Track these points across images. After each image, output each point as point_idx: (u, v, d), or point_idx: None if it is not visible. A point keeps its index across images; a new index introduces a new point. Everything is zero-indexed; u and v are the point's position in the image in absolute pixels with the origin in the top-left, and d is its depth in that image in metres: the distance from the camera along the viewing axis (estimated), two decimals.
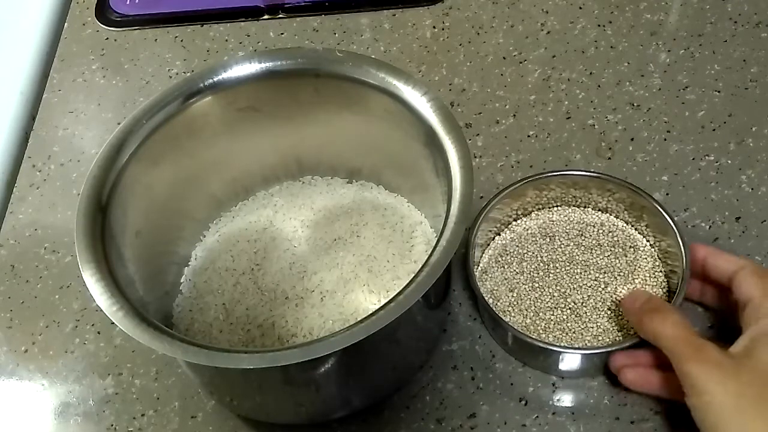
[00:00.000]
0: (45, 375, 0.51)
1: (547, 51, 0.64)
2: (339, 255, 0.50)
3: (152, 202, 0.47)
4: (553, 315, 0.48)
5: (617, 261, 0.50)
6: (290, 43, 0.67)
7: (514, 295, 0.49)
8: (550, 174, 0.51)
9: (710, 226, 0.53)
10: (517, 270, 0.50)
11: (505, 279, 0.50)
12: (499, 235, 0.52)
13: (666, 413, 0.46)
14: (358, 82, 0.47)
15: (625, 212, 0.51)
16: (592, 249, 0.50)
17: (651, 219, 0.49)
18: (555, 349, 0.46)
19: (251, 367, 0.37)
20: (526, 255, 0.51)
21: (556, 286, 0.49)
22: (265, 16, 0.69)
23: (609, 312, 0.48)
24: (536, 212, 0.52)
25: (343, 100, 0.48)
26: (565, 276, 0.50)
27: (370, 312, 0.37)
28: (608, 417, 0.46)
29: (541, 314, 0.48)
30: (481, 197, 0.52)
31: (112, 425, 0.48)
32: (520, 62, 0.63)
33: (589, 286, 0.49)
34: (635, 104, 0.60)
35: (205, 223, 0.53)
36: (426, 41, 0.66)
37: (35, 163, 0.61)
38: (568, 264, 0.50)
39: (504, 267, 0.50)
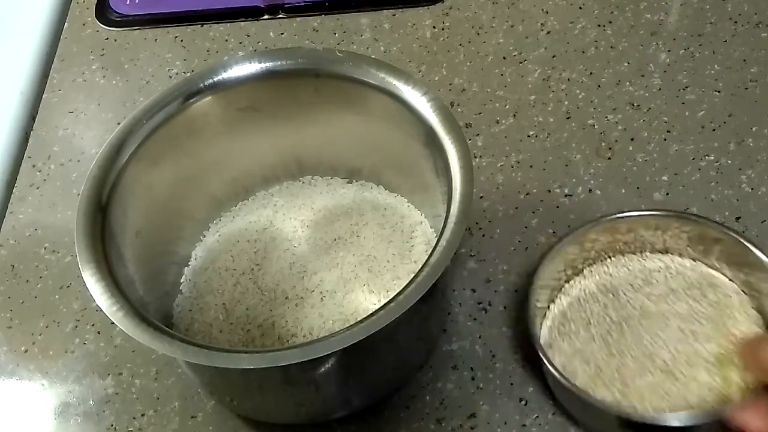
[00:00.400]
0: (45, 375, 0.51)
1: (547, 51, 0.64)
2: (339, 255, 0.50)
3: (152, 202, 0.47)
4: (643, 381, 0.42)
5: (698, 305, 0.44)
6: (290, 43, 0.67)
7: (592, 367, 0.43)
8: (588, 226, 0.46)
9: None
10: (586, 337, 0.44)
11: (577, 351, 0.44)
12: (554, 302, 0.46)
13: None
14: (358, 82, 0.47)
15: (689, 248, 0.46)
16: (665, 297, 0.44)
17: (722, 248, 0.44)
18: (685, 424, 0.39)
19: (251, 367, 0.37)
20: (591, 318, 0.44)
21: (637, 347, 0.43)
22: (265, 16, 0.69)
23: (707, 365, 0.42)
24: (587, 269, 0.47)
25: (343, 100, 0.48)
26: (644, 334, 0.43)
27: (370, 312, 0.37)
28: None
29: (629, 383, 0.42)
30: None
31: (112, 425, 0.48)
32: (520, 62, 0.63)
33: (676, 339, 0.42)
34: (635, 104, 0.60)
35: (205, 223, 0.53)
36: (426, 41, 0.66)
37: (35, 163, 0.61)
38: (643, 319, 0.44)
39: (570, 337, 0.44)
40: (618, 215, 0.46)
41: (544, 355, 0.42)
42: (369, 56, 0.53)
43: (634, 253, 0.47)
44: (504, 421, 0.46)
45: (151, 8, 0.70)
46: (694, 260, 0.46)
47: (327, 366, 0.40)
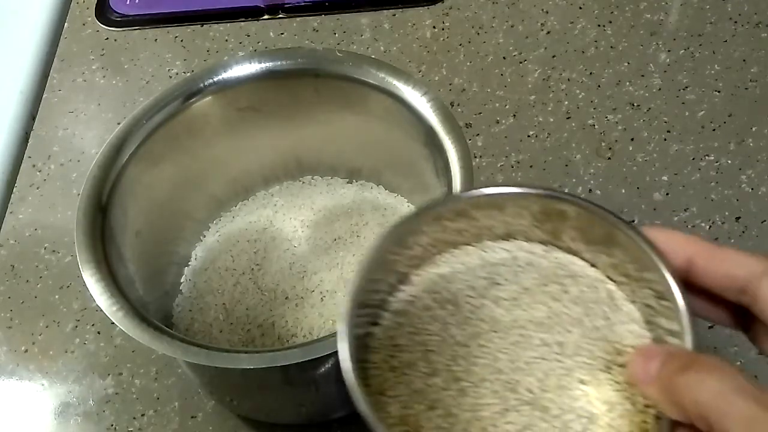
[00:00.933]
0: (45, 375, 0.51)
1: (547, 51, 0.64)
2: (339, 255, 0.50)
3: (152, 202, 0.47)
4: (509, 425, 0.29)
5: (559, 305, 0.32)
6: (290, 43, 0.67)
7: (440, 413, 0.30)
8: (410, 217, 0.32)
9: (710, 226, 0.53)
10: (426, 371, 0.31)
11: (416, 392, 0.30)
12: (377, 324, 0.32)
13: None
14: (358, 82, 0.47)
15: (536, 228, 0.33)
16: (518, 300, 0.32)
17: (575, 224, 0.32)
18: None
19: (251, 367, 0.37)
20: (429, 342, 0.31)
21: (492, 374, 0.31)
22: (265, 16, 0.69)
23: (584, 388, 0.30)
24: (414, 274, 0.33)
25: (343, 100, 0.48)
26: (499, 355, 0.31)
27: None
28: None
29: (491, 431, 0.29)
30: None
31: (112, 425, 0.48)
32: (520, 62, 0.63)
33: (539, 357, 0.31)
34: (635, 104, 0.59)
35: (205, 223, 0.53)
36: (426, 41, 0.66)
37: (35, 163, 0.61)
38: (494, 334, 0.31)
39: (406, 373, 0.31)
40: (442, 203, 0.34)
41: (372, 413, 0.28)
42: (369, 56, 0.53)
43: (469, 245, 0.34)
44: None
45: (151, 8, 0.70)
46: (545, 244, 0.34)
47: (327, 366, 0.40)
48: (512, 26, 0.66)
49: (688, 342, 0.28)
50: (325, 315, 0.47)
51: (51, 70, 0.67)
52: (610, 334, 0.31)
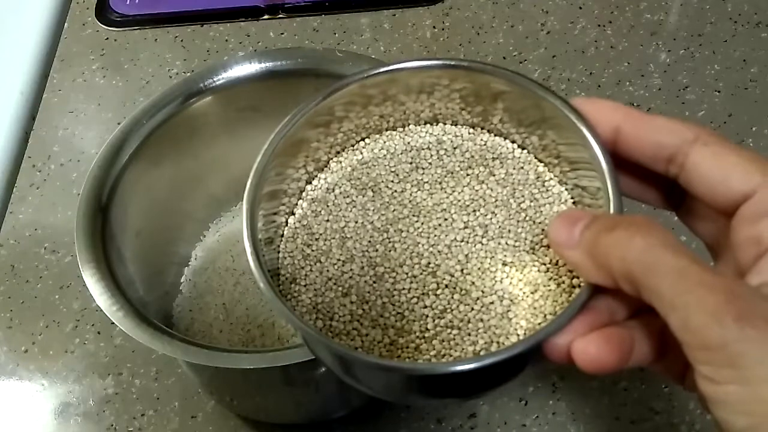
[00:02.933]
0: (45, 375, 0.51)
1: (547, 51, 0.64)
2: None
3: (152, 202, 0.47)
4: (427, 309, 0.29)
5: (484, 186, 0.31)
6: (290, 43, 0.67)
7: (353, 299, 0.30)
8: (326, 94, 0.31)
9: None
10: (342, 257, 0.30)
11: (330, 279, 0.30)
12: (293, 214, 0.32)
13: (666, 413, 0.46)
14: None
15: (463, 111, 0.32)
16: (441, 183, 0.32)
17: (507, 104, 0.31)
18: (483, 364, 0.26)
19: (251, 367, 0.37)
20: (347, 229, 0.31)
21: (411, 258, 0.30)
22: (265, 16, 0.69)
23: (508, 269, 0.29)
24: (335, 160, 0.33)
25: None
26: (419, 239, 0.30)
27: None
28: (608, 417, 0.46)
29: (407, 313, 0.29)
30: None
31: (112, 425, 0.48)
32: (520, 62, 0.63)
33: (462, 240, 0.30)
34: (635, 104, 0.59)
35: (205, 223, 0.53)
36: (426, 41, 0.66)
37: (35, 163, 0.61)
38: (415, 218, 0.31)
39: (321, 261, 0.31)
40: (364, 75, 0.31)
41: (275, 294, 0.28)
42: (369, 56, 0.53)
43: (395, 129, 0.33)
44: (504, 421, 0.46)
45: (151, 8, 0.70)
46: (473, 128, 0.33)
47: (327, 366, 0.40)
48: (512, 26, 0.66)
49: (614, 210, 0.27)
50: None
51: (51, 70, 0.67)
52: (537, 215, 0.30)
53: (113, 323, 0.38)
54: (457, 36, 0.66)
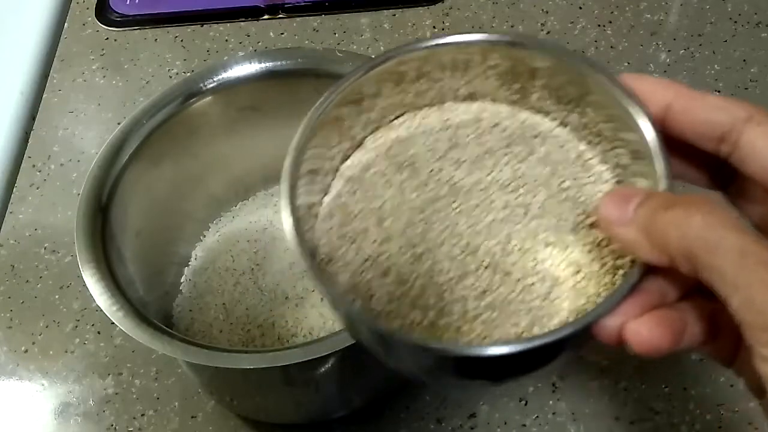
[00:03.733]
0: (45, 375, 0.51)
1: None
2: None
3: (152, 202, 0.47)
4: (467, 290, 0.28)
5: (523, 166, 0.30)
6: (290, 43, 0.67)
7: (391, 280, 0.29)
8: (362, 73, 0.30)
9: None
10: (378, 237, 0.29)
11: (368, 259, 0.29)
12: (327, 194, 0.31)
13: (666, 413, 0.46)
14: None
15: (502, 88, 0.31)
16: (480, 162, 0.30)
17: (546, 81, 0.30)
18: (525, 348, 0.25)
19: (251, 367, 0.37)
20: (384, 209, 0.30)
21: (451, 239, 0.29)
22: (265, 16, 0.69)
23: (550, 249, 0.28)
24: (370, 138, 0.32)
25: None
26: (458, 219, 0.29)
27: None
28: (608, 417, 0.46)
29: (446, 295, 0.28)
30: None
31: (112, 425, 0.48)
32: None
33: (502, 220, 0.29)
34: None
35: (205, 223, 0.53)
36: None
37: (35, 163, 0.61)
38: (453, 198, 0.30)
39: (357, 241, 0.29)
40: (401, 52, 0.30)
41: (319, 273, 0.27)
42: (369, 56, 0.53)
43: (433, 106, 0.32)
44: (504, 421, 0.46)
45: (151, 8, 0.70)
46: (511, 104, 0.32)
47: (327, 366, 0.40)
48: (512, 26, 0.66)
49: (664, 189, 0.26)
50: (325, 315, 0.47)
51: (51, 70, 0.67)
52: (579, 195, 0.29)
53: (113, 323, 0.38)
54: None
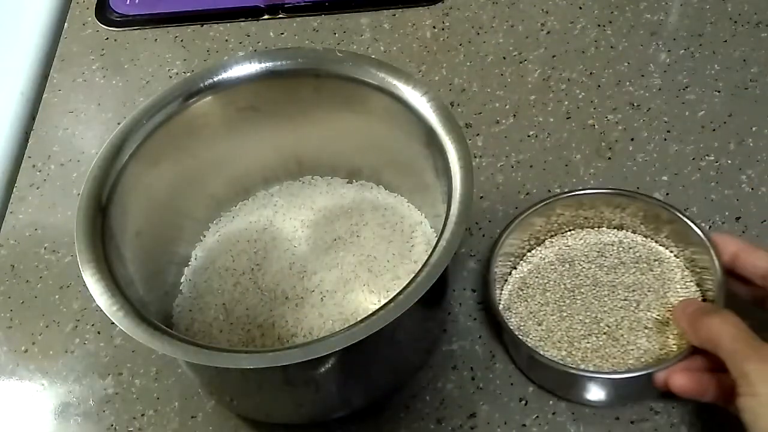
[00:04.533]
0: (45, 375, 0.51)
1: (547, 51, 0.64)
2: (339, 255, 0.50)
3: (152, 202, 0.47)
4: (588, 343, 0.46)
5: (644, 277, 0.48)
6: (290, 43, 0.67)
7: (543, 328, 0.47)
8: (554, 198, 0.49)
9: (710, 226, 0.53)
10: (541, 301, 0.48)
11: (531, 313, 0.48)
12: (516, 269, 0.50)
13: (666, 413, 0.46)
14: (358, 82, 0.47)
15: (642, 225, 0.50)
16: (615, 268, 0.49)
17: (671, 228, 0.48)
18: (608, 377, 0.44)
19: (251, 367, 0.37)
20: (548, 285, 0.49)
21: (585, 312, 0.47)
22: (265, 16, 0.69)
23: (647, 331, 0.46)
24: (549, 240, 0.51)
25: (343, 100, 0.48)
26: (593, 300, 0.48)
27: (370, 312, 0.37)
28: (608, 417, 0.46)
29: (575, 344, 0.46)
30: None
31: (112, 425, 0.48)
32: (520, 62, 0.63)
33: (620, 307, 0.47)
34: (635, 104, 0.60)
35: (205, 223, 0.53)
36: (426, 41, 0.66)
37: (35, 163, 0.61)
38: (593, 287, 0.48)
39: (527, 300, 0.48)
40: (583, 191, 0.50)
41: (500, 315, 0.46)
42: (369, 56, 0.53)
43: (593, 228, 0.51)
44: (504, 421, 0.46)
45: (151, 8, 0.70)
46: (645, 237, 0.50)
47: (327, 366, 0.40)
48: (512, 26, 0.66)
49: (719, 279, 0.45)
50: (325, 315, 0.47)
51: (51, 70, 0.68)
52: (675, 301, 0.47)
53: (113, 323, 0.38)
54: (457, 36, 0.66)
